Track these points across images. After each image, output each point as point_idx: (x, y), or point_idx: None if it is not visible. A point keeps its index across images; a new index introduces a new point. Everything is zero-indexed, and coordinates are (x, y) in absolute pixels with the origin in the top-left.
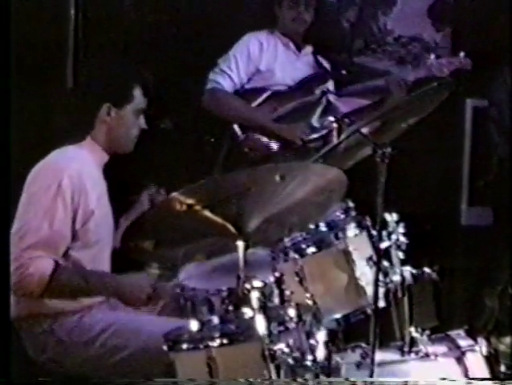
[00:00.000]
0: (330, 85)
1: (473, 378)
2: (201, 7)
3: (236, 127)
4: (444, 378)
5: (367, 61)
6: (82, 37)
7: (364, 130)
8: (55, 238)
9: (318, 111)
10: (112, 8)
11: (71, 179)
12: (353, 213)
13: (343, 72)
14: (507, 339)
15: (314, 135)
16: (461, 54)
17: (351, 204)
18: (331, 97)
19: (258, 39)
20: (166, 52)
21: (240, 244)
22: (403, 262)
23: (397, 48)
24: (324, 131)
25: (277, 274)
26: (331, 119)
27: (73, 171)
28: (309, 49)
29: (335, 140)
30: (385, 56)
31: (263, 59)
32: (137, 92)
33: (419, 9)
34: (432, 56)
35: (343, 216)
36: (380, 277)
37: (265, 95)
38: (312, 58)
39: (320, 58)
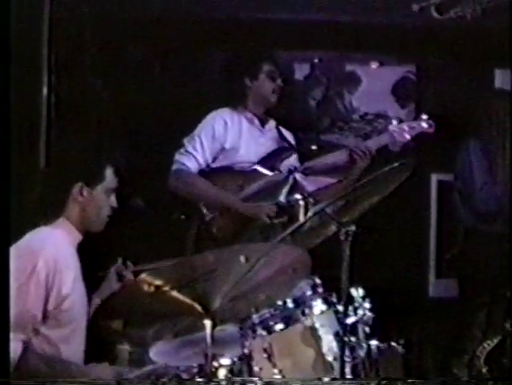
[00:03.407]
0: (294, 160)
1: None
2: (171, 88)
3: (203, 207)
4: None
5: (334, 138)
6: (55, 117)
7: (329, 209)
8: (25, 318)
9: (285, 189)
10: (84, 88)
11: (47, 262)
12: (320, 290)
13: (313, 147)
14: None
15: (281, 214)
16: (423, 116)
17: (317, 281)
18: (298, 176)
19: (223, 118)
20: (138, 132)
21: (207, 322)
22: (369, 336)
23: (363, 125)
24: (290, 210)
25: (246, 351)
26: (298, 197)
27: (48, 254)
28: (272, 123)
29: (301, 219)
30: (351, 133)
31: (228, 138)
32: (109, 172)
33: (383, 87)
34: (394, 122)
35: (309, 293)
36: (347, 352)
37: (230, 174)
38: (276, 133)
39: (284, 132)
